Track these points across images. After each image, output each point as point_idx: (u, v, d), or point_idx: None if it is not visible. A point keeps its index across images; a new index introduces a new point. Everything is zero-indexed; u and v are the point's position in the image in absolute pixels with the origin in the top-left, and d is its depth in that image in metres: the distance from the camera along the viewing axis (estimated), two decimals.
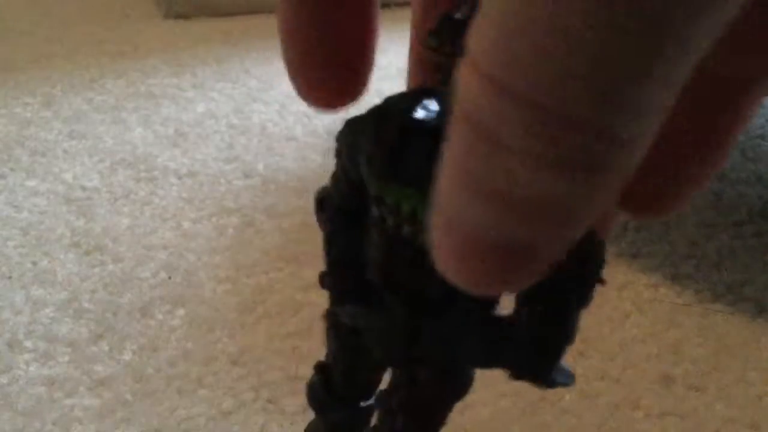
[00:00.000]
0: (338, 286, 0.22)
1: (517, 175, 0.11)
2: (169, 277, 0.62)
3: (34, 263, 0.64)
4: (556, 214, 0.12)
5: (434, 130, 0.16)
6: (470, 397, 0.55)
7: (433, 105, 0.17)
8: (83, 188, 0.76)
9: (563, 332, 0.19)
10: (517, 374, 0.20)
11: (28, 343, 0.55)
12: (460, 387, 0.23)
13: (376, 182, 0.18)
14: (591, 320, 0.58)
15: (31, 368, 0.53)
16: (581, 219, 0.12)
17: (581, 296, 0.19)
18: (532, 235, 0.12)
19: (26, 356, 0.54)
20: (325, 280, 0.22)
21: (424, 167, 0.15)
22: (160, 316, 0.57)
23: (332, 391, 0.26)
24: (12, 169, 0.80)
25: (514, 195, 0.12)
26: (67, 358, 0.53)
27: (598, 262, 0.18)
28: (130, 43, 1.15)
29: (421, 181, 0.15)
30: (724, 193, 0.75)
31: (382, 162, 0.17)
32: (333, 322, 0.22)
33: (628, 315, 0.58)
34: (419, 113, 0.17)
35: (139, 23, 1.24)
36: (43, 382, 0.51)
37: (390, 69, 1.06)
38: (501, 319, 0.20)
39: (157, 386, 0.51)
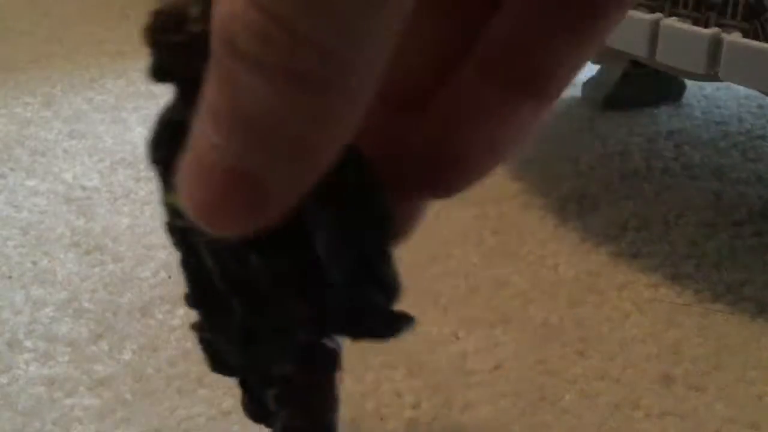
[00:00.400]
0: (201, 306, 0.22)
1: (250, 90, 0.12)
2: (169, 277, 0.62)
3: (34, 263, 0.64)
4: (286, 141, 0.13)
5: None
6: (470, 397, 0.55)
7: None
8: (83, 188, 0.76)
9: (376, 282, 0.18)
10: (355, 334, 0.20)
11: (28, 343, 0.55)
12: (327, 360, 0.23)
13: (165, 193, 0.17)
14: (591, 320, 0.58)
15: (31, 368, 0.53)
16: (311, 151, 0.13)
17: (375, 241, 0.18)
18: (264, 164, 0.13)
19: (26, 356, 0.54)
20: (188, 300, 0.22)
21: None
22: (160, 316, 0.57)
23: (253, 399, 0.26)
24: (12, 169, 0.80)
25: (247, 115, 0.13)
26: (67, 358, 0.53)
27: (377, 200, 0.17)
28: (130, 43, 1.14)
29: None
30: (724, 192, 0.75)
31: (164, 169, 0.17)
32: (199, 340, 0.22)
33: (628, 315, 0.58)
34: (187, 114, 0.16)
35: (139, 23, 1.24)
36: (43, 381, 0.51)
37: None
38: (324, 290, 0.19)
39: (157, 386, 0.51)
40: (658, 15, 0.58)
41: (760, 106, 0.94)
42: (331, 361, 0.24)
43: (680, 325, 0.57)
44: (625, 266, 0.64)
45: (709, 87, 0.99)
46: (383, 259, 0.18)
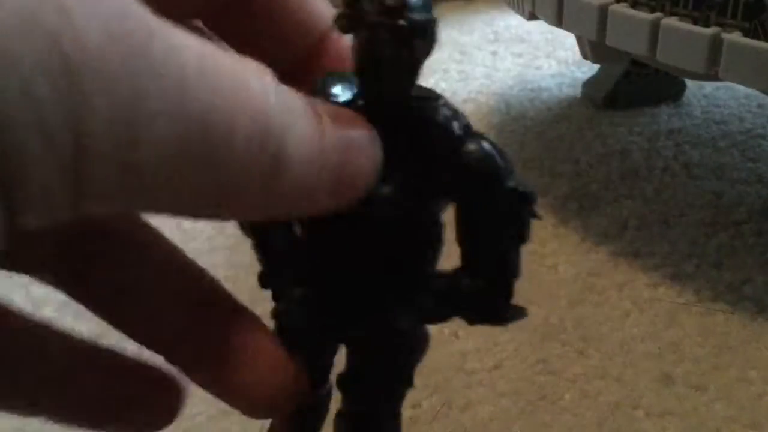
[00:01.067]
0: (279, 284, 0.23)
1: None
2: None
3: None
4: None
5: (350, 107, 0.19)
6: (470, 397, 0.55)
7: (346, 87, 0.19)
8: None
9: (506, 270, 0.21)
10: (473, 319, 0.21)
11: None
12: (419, 345, 0.24)
13: None
14: (591, 319, 0.58)
15: None
16: None
17: (514, 233, 0.20)
18: None
19: None
20: (264, 279, 0.23)
21: None
22: None
23: None
24: None
25: None
26: None
27: (522, 197, 0.19)
28: None
29: None
30: (725, 192, 0.75)
31: None
32: (277, 319, 0.23)
33: (628, 314, 0.58)
34: (340, 95, 0.19)
35: None
36: None
37: None
38: (445, 274, 0.21)
39: None
40: (658, 14, 0.58)
41: (760, 106, 0.94)
42: (426, 341, 0.24)
43: (680, 324, 0.57)
44: (625, 265, 0.64)
45: (709, 86, 0.99)
46: (516, 245, 0.20)
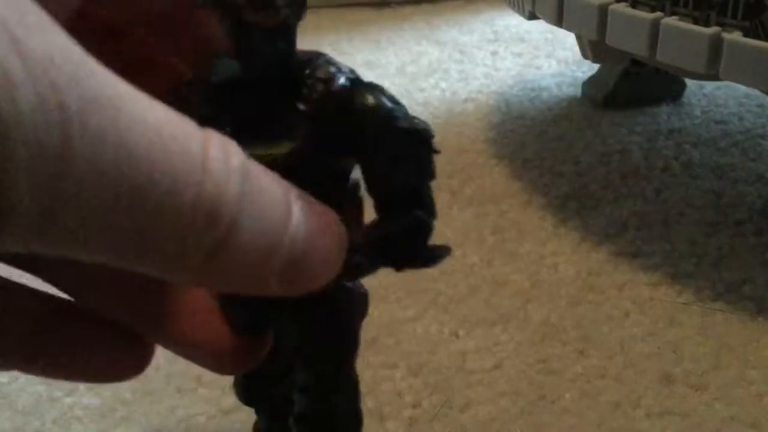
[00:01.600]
0: None
1: None
2: None
3: None
4: None
5: (239, 83, 0.19)
6: (470, 397, 0.55)
7: (228, 64, 0.19)
8: None
9: (420, 209, 0.21)
10: (399, 265, 0.21)
11: None
12: (357, 304, 0.24)
13: None
14: (591, 319, 0.58)
15: None
16: None
17: (418, 172, 0.20)
18: None
19: None
20: None
21: (247, 119, 0.16)
22: None
23: (253, 378, 0.27)
24: None
25: None
26: None
27: (418, 135, 0.20)
28: None
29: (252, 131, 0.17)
30: (725, 192, 0.75)
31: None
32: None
33: (628, 314, 0.58)
34: (222, 74, 0.19)
35: None
36: (43, 380, 0.51)
37: (389, 68, 1.06)
38: (363, 230, 0.21)
39: (157, 385, 0.51)
40: (658, 14, 0.58)
41: (761, 105, 0.94)
42: (365, 299, 0.24)
43: (680, 324, 0.57)
44: (625, 265, 0.64)
45: (710, 86, 0.99)
46: (423, 183, 0.21)
